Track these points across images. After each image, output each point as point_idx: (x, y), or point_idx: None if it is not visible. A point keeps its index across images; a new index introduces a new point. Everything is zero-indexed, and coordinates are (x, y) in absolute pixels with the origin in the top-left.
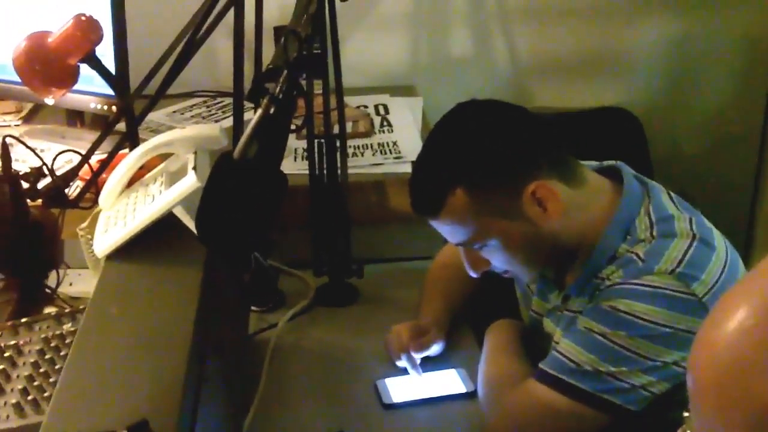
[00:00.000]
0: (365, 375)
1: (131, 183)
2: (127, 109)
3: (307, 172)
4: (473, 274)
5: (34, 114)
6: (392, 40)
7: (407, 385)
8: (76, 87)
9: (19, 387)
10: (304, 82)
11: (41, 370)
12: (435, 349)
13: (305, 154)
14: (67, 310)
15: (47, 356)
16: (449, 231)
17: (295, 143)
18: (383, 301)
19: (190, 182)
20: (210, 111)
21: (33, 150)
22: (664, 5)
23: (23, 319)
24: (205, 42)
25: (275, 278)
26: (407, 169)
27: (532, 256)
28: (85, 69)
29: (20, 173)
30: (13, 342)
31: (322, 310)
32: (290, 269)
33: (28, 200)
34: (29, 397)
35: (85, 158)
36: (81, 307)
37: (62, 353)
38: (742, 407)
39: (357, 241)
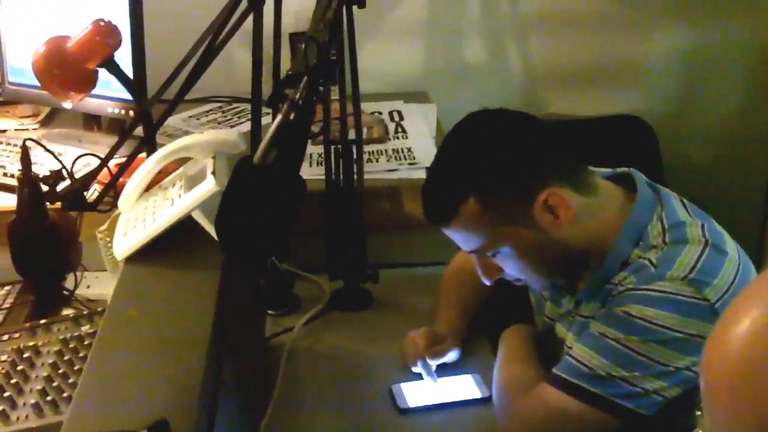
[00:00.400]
0: (380, 379)
1: (150, 187)
2: (145, 114)
3: (322, 177)
4: (486, 282)
5: (51, 118)
6: (406, 47)
7: (422, 390)
8: (93, 91)
9: (38, 387)
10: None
11: (60, 371)
12: (450, 357)
13: (320, 159)
14: (85, 312)
15: (66, 357)
16: (462, 239)
17: (311, 149)
18: (398, 306)
19: (209, 186)
20: (226, 116)
21: (53, 153)
22: (676, 14)
23: (41, 321)
24: None
25: (291, 282)
26: (422, 175)
27: (544, 263)
28: (102, 73)
29: (39, 176)
30: (31, 343)
31: (337, 314)
32: (305, 273)
33: (47, 203)
34: (48, 398)
35: (104, 162)
36: (99, 309)
37: (81, 354)
38: (754, 406)
39: (372, 246)
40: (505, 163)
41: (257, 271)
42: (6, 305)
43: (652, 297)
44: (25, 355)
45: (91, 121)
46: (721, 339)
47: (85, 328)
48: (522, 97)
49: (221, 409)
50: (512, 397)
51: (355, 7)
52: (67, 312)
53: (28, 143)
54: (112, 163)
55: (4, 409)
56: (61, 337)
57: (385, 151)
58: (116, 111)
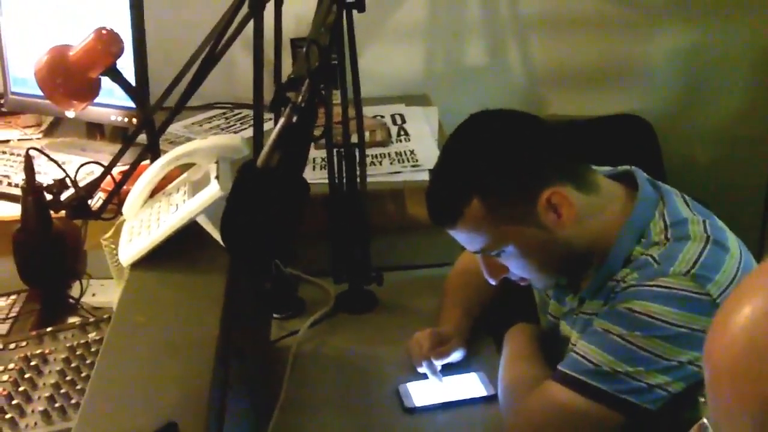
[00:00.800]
0: (385, 381)
1: (154, 193)
2: (148, 121)
3: (325, 181)
4: (492, 281)
5: (54, 127)
6: (407, 50)
7: (429, 389)
8: (96, 100)
9: (46, 395)
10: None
11: (67, 378)
12: (455, 357)
13: (324, 163)
14: (91, 320)
15: (73, 364)
16: (466, 239)
17: (314, 153)
18: (402, 308)
19: (213, 191)
20: (228, 122)
21: (56, 162)
22: (676, 14)
23: (48, 329)
24: None
25: (295, 286)
26: (425, 177)
27: (548, 261)
28: (104, 82)
29: (43, 185)
30: (38, 351)
31: (342, 317)
32: (310, 277)
33: (52, 212)
34: (56, 405)
35: (108, 169)
36: (105, 316)
37: (88, 361)
38: (756, 393)
39: (376, 249)
40: (508, 163)
41: (263, 274)
42: (12, 314)
43: (655, 293)
44: (33, 363)
45: (94, 130)
46: (722, 327)
47: (92, 335)
48: (523, 98)
49: (230, 412)
50: (518, 395)
51: (355, 11)
52: (73, 320)
53: (32, 153)
54: (115, 171)
55: (12, 417)
56: (68, 344)
57: (388, 153)
58: (119, 119)
